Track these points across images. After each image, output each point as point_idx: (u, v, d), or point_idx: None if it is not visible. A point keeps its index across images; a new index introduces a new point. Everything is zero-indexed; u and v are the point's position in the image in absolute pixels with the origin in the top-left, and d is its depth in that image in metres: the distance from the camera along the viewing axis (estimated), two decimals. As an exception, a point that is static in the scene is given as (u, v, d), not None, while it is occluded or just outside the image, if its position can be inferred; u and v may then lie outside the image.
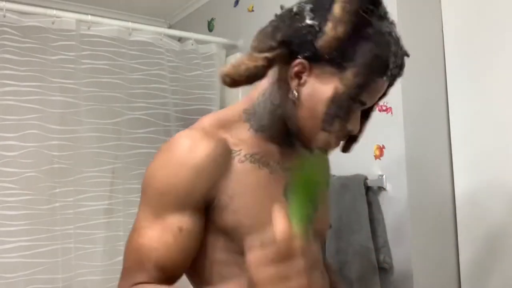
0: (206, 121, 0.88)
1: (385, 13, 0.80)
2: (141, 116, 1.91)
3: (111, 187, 1.82)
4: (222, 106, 2.13)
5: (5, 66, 1.61)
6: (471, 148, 1.44)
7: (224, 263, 0.84)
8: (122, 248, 2.03)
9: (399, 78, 0.82)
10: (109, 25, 1.86)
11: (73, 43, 1.75)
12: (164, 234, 0.79)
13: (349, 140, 0.87)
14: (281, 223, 0.69)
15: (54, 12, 1.72)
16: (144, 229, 0.80)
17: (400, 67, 0.80)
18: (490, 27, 1.40)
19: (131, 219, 1.85)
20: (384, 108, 1.45)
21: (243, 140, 0.86)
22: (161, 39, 1.98)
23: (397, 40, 0.79)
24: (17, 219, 1.59)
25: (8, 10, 1.62)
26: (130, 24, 1.91)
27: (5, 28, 1.61)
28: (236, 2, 2.19)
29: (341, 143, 0.85)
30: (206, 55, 2.09)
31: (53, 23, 1.72)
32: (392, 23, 0.80)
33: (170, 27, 2.69)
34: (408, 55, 0.82)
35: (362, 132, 0.85)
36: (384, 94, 0.84)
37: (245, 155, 0.84)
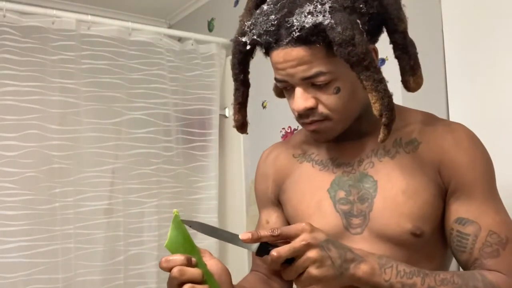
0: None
1: None
2: (141, 116, 1.91)
3: (111, 187, 1.82)
4: (222, 106, 2.14)
5: (5, 66, 1.61)
6: (471, 148, 1.44)
7: None
8: (122, 248, 2.04)
9: (287, 41, 0.73)
10: (109, 25, 1.86)
11: (73, 43, 1.75)
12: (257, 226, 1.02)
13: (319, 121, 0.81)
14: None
15: (54, 12, 1.72)
16: None
17: (271, 33, 0.74)
18: (490, 27, 1.40)
19: (131, 219, 1.86)
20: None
21: (303, 142, 0.96)
22: (161, 39, 1.98)
23: (270, 11, 0.75)
24: (17, 219, 1.59)
25: (8, 10, 1.62)
26: (130, 24, 1.90)
27: (5, 28, 1.61)
28: (236, 2, 2.19)
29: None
30: (206, 55, 2.09)
31: (53, 23, 1.72)
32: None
33: (170, 27, 2.69)
34: (281, 21, 0.73)
35: (332, 108, 0.79)
36: (317, 66, 0.75)
37: (300, 155, 0.95)
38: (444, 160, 0.81)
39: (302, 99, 0.78)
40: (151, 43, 1.95)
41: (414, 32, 1.49)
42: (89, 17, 1.81)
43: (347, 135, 0.86)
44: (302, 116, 0.80)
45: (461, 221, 0.79)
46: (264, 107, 1.96)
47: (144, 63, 1.93)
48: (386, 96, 0.73)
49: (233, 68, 0.85)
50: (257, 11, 0.78)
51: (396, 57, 0.80)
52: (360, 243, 0.82)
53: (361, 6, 0.73)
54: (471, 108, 1.45)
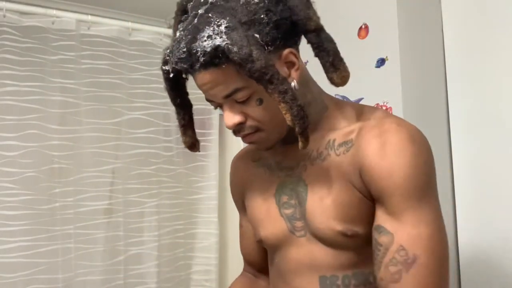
0: None
1: (192, 12, 0.77)
2: (141, 116, 1.91)
3: (111, 187, 1.82)
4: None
5: (5, 66, 1.61)
6: (471, 148, 1.44)
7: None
8: (122, 248, 2.04)
9: (198, 66, 0.74)
10: (109, 25, 1.86)
11: (73, 43, 1.75)
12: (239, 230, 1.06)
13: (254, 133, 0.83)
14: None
15: (54, 12, 1.72)
16: None
17: (184, 60, 0.75)
18: (490, 27, 1.40)
19: (131, 219, 1.86)
20: (384, 108, 1.45)
21: None
22: (161, 39, 1.98)
23: (181, 37, 0.75)
24: (17, 219, 1.59)
25: (8, 10, 1.62)
26: (130, 24, 1.91)
27: (5, 28, 1.61)
28: (236, 2, 2.19)
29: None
30: (206, 55, 2.08)
31: (53, 23, 1.72)
32: (192, 20, 0.76)
33: (170, 27, 2.69)
34: (189, 48, 0.74)
35: (259, 120, 0.80)
36: (236, 84, 0.76)
37: (258, 159, 0.97)
38: (364, 165, 0.77)
39: (229, 116, 0.80)
40: (151, 43, 1.96)
41: (414, 32, 1.50)
42: (89, 17, 1.81)
43: (290, 138, 0.83)
44: (235, 131, 0.83)
45: (379, 229, 0.76)
46: (264, 107, 1.96)
47: (144, 63, 1.93)
48: (294, 105, 0.72)
49: (168, 93, 0.87)
50: (174, 37, 0.79)
51: (316, 56, 0.79)
52: (306, 245, 0.84)
53: (262, 17, 0.73)
54: (471, 108, 1.45)
